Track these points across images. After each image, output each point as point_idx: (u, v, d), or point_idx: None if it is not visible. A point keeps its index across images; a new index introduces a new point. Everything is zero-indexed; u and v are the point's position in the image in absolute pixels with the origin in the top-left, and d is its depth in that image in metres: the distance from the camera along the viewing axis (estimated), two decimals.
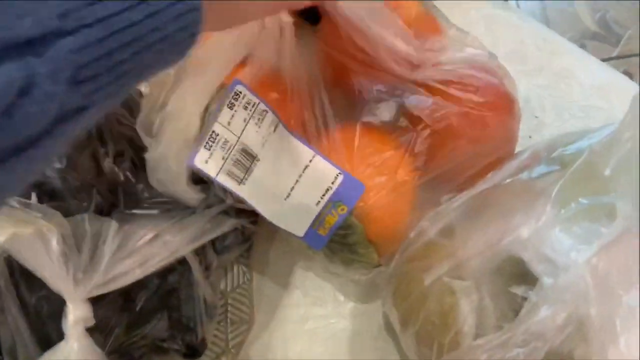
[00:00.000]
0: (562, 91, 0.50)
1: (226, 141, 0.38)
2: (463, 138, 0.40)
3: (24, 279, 0.34)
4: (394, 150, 0.40)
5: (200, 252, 0.41)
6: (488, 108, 0.41)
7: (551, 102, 0.50)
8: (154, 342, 0.39)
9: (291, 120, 0.40)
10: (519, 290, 0.32)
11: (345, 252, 0.42)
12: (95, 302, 0.35)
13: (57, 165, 0.37)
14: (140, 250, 0.36)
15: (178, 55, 0.23)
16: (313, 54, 0.40)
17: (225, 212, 0.42)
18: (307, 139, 0.40)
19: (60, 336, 0.34)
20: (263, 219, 0.46)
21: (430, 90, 0.40)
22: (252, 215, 0.44)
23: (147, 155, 0.39)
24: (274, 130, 0.38)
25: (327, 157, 0.39)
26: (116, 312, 0.37)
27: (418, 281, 0.37)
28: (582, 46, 0.84)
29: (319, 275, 0.46)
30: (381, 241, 0.41)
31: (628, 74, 0.71)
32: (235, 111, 0.38)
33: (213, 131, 0.38)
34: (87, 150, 0.39)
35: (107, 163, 0.39)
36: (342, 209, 0.39)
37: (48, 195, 0.37)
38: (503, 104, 0.42)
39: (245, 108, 0.38)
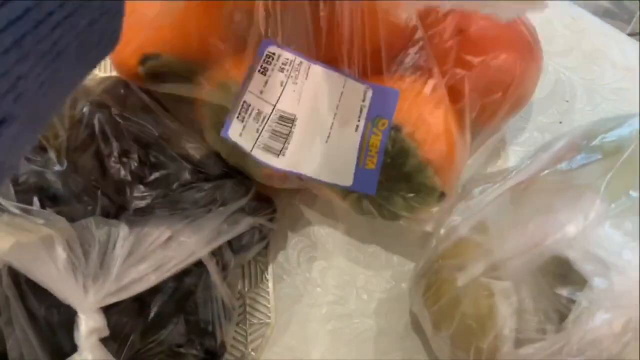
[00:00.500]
0: (593, 73, 0.47)
1: (259, 112, 0.35)
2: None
3: (31, 288, 0.32)
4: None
5: (216, 252, 0.38)
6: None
7: (582, 85, 0.47)
8: (171, 348, 0.37)
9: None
10: (564, 291, 0.30)
11: (403, 191, 0.37)
12: (108, 309, 0.33)
13: (57, 168, 0.35)
14: (153, 254, 0.34)
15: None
16: None
17: (242, 210, 0.40)
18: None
19: (74, 347, 0.32)
20: (280, 216, 0.45)
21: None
22: (270, 212, 0.42)
23: None
24: (306, 76, 0.35)
25: (354, 77, 0.35)
26: (131, 318, 0.35)
27: (451, 282, 0.35)
28: None
29: (341, 272, 0.44)
30: (438, 159, 0.36)
31: None
32: (269, 76, 0.34)
33: (244, 102, 0.35)
34: (89, 151, 0.36)
35: (112, 163, 0.37)
36: (383, 124, 0.35)
37: (50, 200, 0.34)
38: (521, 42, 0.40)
39: (282, 70, 0.34)
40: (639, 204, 0.30)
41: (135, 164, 0.38)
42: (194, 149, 0.41)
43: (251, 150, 0.37)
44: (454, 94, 0.37)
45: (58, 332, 0.33)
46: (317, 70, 0.35)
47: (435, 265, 0.37)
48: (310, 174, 0.37)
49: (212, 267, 0.37)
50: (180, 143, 0.40)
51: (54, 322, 0.33)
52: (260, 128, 0.36)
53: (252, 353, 0.43)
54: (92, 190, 0.36)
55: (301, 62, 0.35)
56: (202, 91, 0.39)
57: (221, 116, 0.39)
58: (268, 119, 0.36)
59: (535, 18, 0.43)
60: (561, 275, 0.31)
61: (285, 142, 0.36)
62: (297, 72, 0.35)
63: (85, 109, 0.37)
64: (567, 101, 0.47)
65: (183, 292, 0.37)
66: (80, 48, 0.18)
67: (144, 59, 0.39)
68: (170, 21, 0.38)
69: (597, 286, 0.28)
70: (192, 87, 0.39)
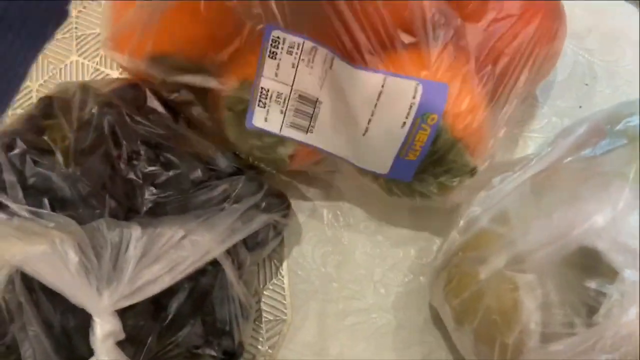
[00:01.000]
0: (613, 55, 0.46)
1: (279, 94, 0.36)
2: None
3: (45, 293, 0.31)
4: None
5: (231, 251, 0.37)
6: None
7: (602, 67, 0.46)
8: (189, 349, 0.36)
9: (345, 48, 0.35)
10: (593, 284, 0.29)
11: (434, 170, 0.37)
12: (124, 312, 0.33)
13: (64, 171, 0.34)
14: (167, 255, 0.33)
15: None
16: None
17: (256, 207, 0.39)
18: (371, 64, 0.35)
19: (90, 352, 0.32)
20: (294, 210, 0.44)
21: None
22: (284, 208, 0.41)
23: None
24: (330, 66, 0.35)
25: (399, 74, 0.34)
26: (147, 320, 0.34)
27: (473, 275, 0.34)
28: None
29: (357, 266, 0.43)
30: (468, 135, 0.36)
31: None
32: (280, 59, 0.35)
33: (262, 87, 0.36)
34: (98, 153, 0.35)
35: (122, 165, 0.36)
36: (433, 119, 0.34)
37: (57, 203, 0.34)
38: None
39: (290, 53, 0.35)
40: None
41: (146, 165, 0.38)
42: (204, 148, 0.40)
43: (280, 131, 0.38)
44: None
45: (73, 336, 0.32)
46: (341, 65, 0.35)
47: (456, 258, 0.36)
48: (341, 156, 0.38)
49: (227, 265, 0.37)
50: (190, 142, 0.39)
51: (69, 327, 0.32)
52: (284, 109, 0.37)
53: (269, 350, 0.42)
54: (100, 194, 0.35)
55: (315, 49, 0.35)
56: (219, 88, 0.39)
57: (240, 111, 0.38)
58: (289, 98, 0.37)
59: None
60: (589, 266, 0.30)
61: (311, 120, 0.37)
62: (310, 57, 0.35)
63: (94, 110, 0.36)
64: (586, 84, 0.45)
65: (199, 292, 0.36)
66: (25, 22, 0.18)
67: (153, 60, 0.38)
68: (171, 22, 0.37)
69: (628, 278, 0.27)
70: (207, 79, 0.39)
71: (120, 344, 0.32)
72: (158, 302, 0.35)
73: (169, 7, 0.37)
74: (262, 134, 0.39)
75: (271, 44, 0.35)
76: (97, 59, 0.50)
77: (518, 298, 0.31)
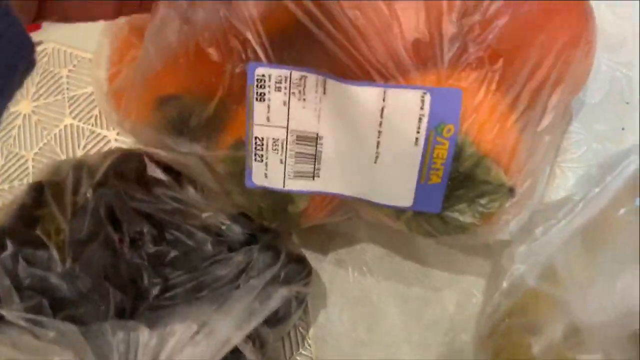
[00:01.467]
0: None
1: (275, 140, 0.33)
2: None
3: None
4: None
5: (251, 332, 0.34)
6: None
7: None
8: None
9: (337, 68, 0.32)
10: None
11: (466, 195, 0.33)
12: None
13: (60, 268, 0.31)
14: (180, 355, 0.30)
15: None
16: None
17: (274, 278, 0.36)
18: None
19: None
20: (316, 270, 0.41)
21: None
22: (305, 275, 0.38)
23: None
24: (324, 91, 0.31)
25: (401, 85, 0.31)
26: None
27: (525, 347, 0.30)
28: None
29: (391, 326, 0.40)
30: (496, 147, 0.32)
31: None
32: (269, 99, 0.32)
33: (256, 138, 0.33)
34: (97, 241, 0.32)
35: (125, 249, 0.33)
36: (449, 130, 0.31)
37: (57, 303, 0.31)
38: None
39: (278, 89, 0.31)
40: None
41: (150, 246, 0.34)
42: (212, 218, 0.37)
43: (284, 186, 0.34)
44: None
45: None
46: (334, 86, 0.31)
47: (502, 326, 0.32)
48: (356, 195, 0.34)
49: (248, 351, 0.33)
50: (197, 213, 0.36)
51: None
52: (283, 157, 0.33)
53: None
54: (102, 287, 0.32)
55: (304, 77, 0.31)
56: (217, 152, 0.36)
57: (239, 171, 0.35)
58: (286, 143, 0.33)
59: None
60: None
61: (315, 162, 0.33)
62: (300, 88, 0.31)
63: (89, 194, 0.33)
64: (627, 103, 0.41)
65: None
66: None
67: (162, 102, 0.35)
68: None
69: None
70: (209, 144, 0.36)
71: None
72: None
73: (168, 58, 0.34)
74: (266, 192, 0.35)
75: (257, 85, 0.31)
76: (92, 120, 0.47)
77: None
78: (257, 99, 0.32)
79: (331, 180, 0.34)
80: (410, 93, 0.31)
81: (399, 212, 0.34)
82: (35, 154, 0.47)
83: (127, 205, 0.34)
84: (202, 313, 0.32)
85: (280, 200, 0.36)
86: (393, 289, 0.40)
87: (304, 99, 0.32)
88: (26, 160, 0.47)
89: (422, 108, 0.30)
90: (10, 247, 0.31)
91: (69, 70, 0.48)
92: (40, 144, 0.47)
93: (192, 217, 0.37)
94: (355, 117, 0.32)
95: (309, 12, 0.31)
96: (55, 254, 0.32)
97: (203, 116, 0.34)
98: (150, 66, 0.35)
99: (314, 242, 0.42)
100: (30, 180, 0.46)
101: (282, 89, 0.31)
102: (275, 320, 0.36)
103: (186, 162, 0.38)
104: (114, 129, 0.46)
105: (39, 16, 0.28)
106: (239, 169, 0.35)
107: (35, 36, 0.45)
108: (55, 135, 0.47)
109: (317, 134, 0.33)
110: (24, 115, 0.48)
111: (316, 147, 0.33)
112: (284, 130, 0.33)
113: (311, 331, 0.40)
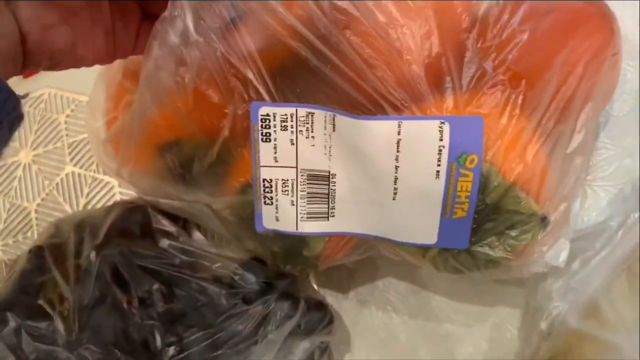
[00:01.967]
0: None
1: (285, 181, 0.31)
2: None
3: None
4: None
5: None
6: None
7: None
8: None
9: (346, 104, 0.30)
10: None
11: (494, 223, 0.31)
12: None
13: (66, 339, 0.29)
14: None
15: None
16: None
17: (294, 330, 0.33)
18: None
19: None
20: (338, 313, 0.38)
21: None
22: (327, 323, 0.35)
23: None
24: (333, 128, 0.30)
25: (417, 116, 0.29)
26: None
27: None
28: None
29: None
30: (523, 175, 0.30)
31: None
32: (276, 139, 0.30)
33: (264, 180, 0.31)
34: (104, 305, 0.30)
35: (134, 310, 0.31)
36: (472, 160, 0.29)
37: None
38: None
39: (285, 128, 0.30)
40: None
41: (161, 304, 0.32)
42: (223, 267, 0.34)
43: (297, 228, 0.32)
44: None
45: None
46: (344, 121, 0.29)
47: None
48: (376, 234, 0.32)
49: None
50: (208, 265, 0.34)
51: None
52: (294, 198, 0.31)
53: None
54: (112, 355, 0.30)
55: (311, 114, 0.29)
56: (223, 198, 0.34)
57: (248, 216, 0.33)
58: (297, 183, 0.31)
59: None
60: None
61: (329, 201, 0.31)
62: (308, 125, 0.30)
63: (92, 256, 0.31)
64: None
65: None
66: None
67: (161, 149, 0.33)
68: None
69: None
70: (214, 190, 0.34)
71: None
72: None
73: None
74: (278, 236, 0.33)
75: (261, 125, 0.30)
76: (94, 166, 0.45)
77: None
78: (262, 140, 0.30)
79: (347, 220, 0.32)
80: (427, 123, 0.29)
81: (423, 249, 0.32)
82: (38, 205, 0.45)
83: (133, 263, 0.32)
84: None
85: (295, 243, 0.34)
86: (421, 327, 0.38)
87: (313, 137, 0.30)
88: (29, 212, 0.45)
89: (441, 139, 0.28)
90: (12, 321, 0.29)
91: (67, 115, 0.47)
92: (43, 195, 0.45)
93: (202, 269, 0.35)
94: (369, 152, 0.30)
95: (311, 46, 0.30)
96: (60, 325, 0.30)
97: (206, 161, 0.32)
98: (147, 111, 0.33)
99: (333, 281, 0.40)
100: (35, 234, 0.44)
101: (289, 128, 0.30)
102: None
103: (191, 211, 0.36)
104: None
105: (27, 66, 0.27)
106: (248, 214, 0.33)
107: (30, 82, 0.44)
108: (57, 184, 0.45)
109: (329, 172, 0.31)
110: (24, 165, 0.46)
111: (329, 186, 0.31)
112: (294, 170, 0.31)
113: None
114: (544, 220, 0.30)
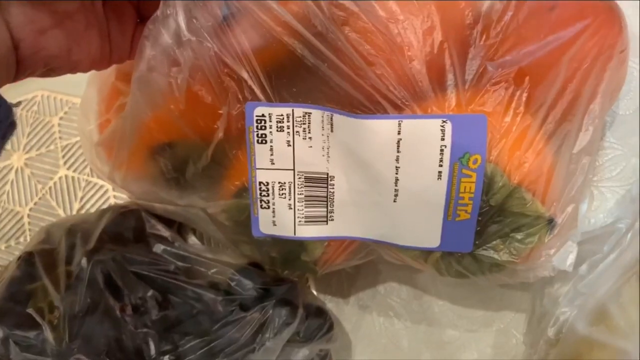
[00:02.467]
0: None
1: (282, 184, 0.30)
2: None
3: None
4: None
5: None
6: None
7: None
8: None
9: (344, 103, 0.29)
10: None
11: (498, 226, 0.30)
12: None
13: (56, 349, 0.28)
14: None
15: None
16: None
17: (293, 337, 0.32)
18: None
19: None
20: (338, 319, 0.37)
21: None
22: (326, 329, 0.34)
23: None
24: (331, 129, 0.29)
25: (418, 115, 0.28)
26: None
27: None
28: None
29: None
30: (529, 175, 0.29)
31: None
32: (271, 141, 0.29)
33: (260, 183, 0.30)
34: (96, 313, 0.29)
35: (127, 317, 0.30)
36: (476, 160, 0.28)
37: None
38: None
39: (281, 129, 0.29)
40: None
41: (155, 312, 0.31)
42: (220, 273, 0.33)
43: (295, 233, 0.31)
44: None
45: None
46: (342, 121, 0.28)
47: None
48: (376, 238, 0.31)
49: None
50: (204, 270, 0.33)
51: None
52: (292, 202, 0.30)
53: None
54: None
55: (308, 114, 0.28)
56: (218, 202, 0.33)
57: (244, 220, 0.32)
58: (294, 186, 0.30)
59: None
60: None
61: (328, 204, 0.30)
62: (305, 126, 0.29)
63: (83, 262, 0.30)
64: None
65: None
66: None
67: (154, 152, 0.32)
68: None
69: None
70: (210, 194, 0.33)
71: None
72: None
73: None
74: (276, 241, 0.32)
75: (257, 126, 0.29)
76: (88, 170, 0.44)
77: None
78: (258, 141, 0.29)
79: (347, 224, 0.31)
80: (429, 122, 0.28)
81: (425, 253, 0.31)
82: (31, 209, 0.44)
83: (127, 270, 0.31)
84: None
85: (293, 248, 0.33)
86: (424, 333, 0.37)
87: (310, 138, 0.29)
88: (22, 217, 0.44)
89: (443, 138, 0.27)
90: (0, 331, 0.28)
91: (60, 118, 0.46)
92: (36, 199, 0.44)
93: (198, 275, 0.34)
94: (369, 153, 0.29)
95: (307, 43, 0.29)
96: (49, 334, 0.29)
97: (200, 164, 0.32)
98: (139, 114, 0.32)
99: (333, 286, 0.39)
100: (28, 239, 0.43)
101: (285, 129, 0.29)
102: None
103: (186, 215, 0.35)
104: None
105: (20, 73, 0.26)
106: (244, 218, 0.32)
107: (23, 84, 0.42)
108: (50, 188, 0.44)
109: (328, 174, 0.30)
110: (17, 168, 0.45)
111: (327, 188, 0.30)
112: (291, 173, 0.30)
113: None
114: (550, 223, 0.29)
